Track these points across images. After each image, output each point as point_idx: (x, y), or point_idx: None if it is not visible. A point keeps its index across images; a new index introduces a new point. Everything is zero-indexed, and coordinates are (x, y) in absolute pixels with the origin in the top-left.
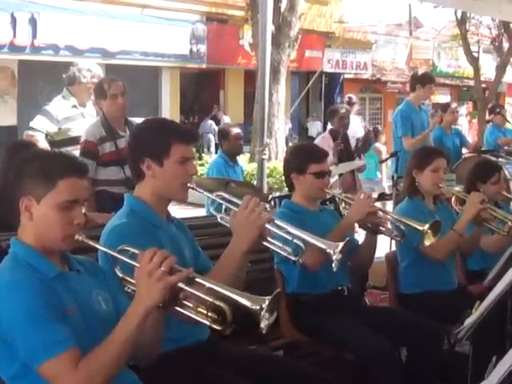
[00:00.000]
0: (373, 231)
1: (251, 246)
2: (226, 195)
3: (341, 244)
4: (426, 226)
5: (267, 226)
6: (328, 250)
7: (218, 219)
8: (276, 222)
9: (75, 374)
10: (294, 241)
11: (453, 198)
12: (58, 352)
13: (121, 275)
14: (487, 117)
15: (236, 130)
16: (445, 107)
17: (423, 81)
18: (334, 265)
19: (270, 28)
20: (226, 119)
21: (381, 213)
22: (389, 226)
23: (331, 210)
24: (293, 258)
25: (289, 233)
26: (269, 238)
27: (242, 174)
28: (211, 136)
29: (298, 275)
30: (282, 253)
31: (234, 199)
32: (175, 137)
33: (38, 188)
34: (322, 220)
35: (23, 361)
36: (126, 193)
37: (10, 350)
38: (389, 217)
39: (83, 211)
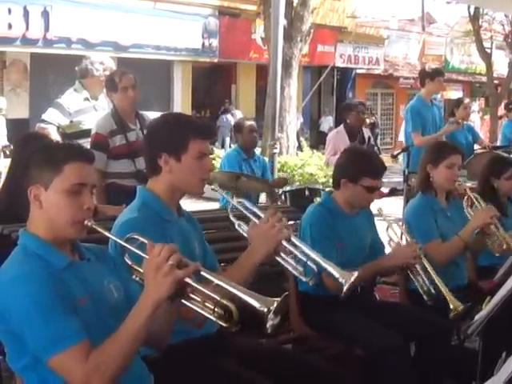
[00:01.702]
0: (403, 270)
1: (265, 259)
2: (247, 203)
3: (355, 274)
4: (460, 308)
5: (284, 242)
6: (340, 280)
7: (236, 226)
8: (293, 240)
9: (85, 367)
10: (308, 262)
11: (465, 198)
12: (67, 345)
13: (129, 262)
14: (500, 112)
15: (250, 124)
16: (457, 103)
17: (432, 75)
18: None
19: (282, 22)
20: (238, 114)
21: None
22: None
23: (369, 213)
24: (304, 279)
25: (304, 253)
26: (282, 255)
27: (263, 168)
28: (227, 131)
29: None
30: (294, 272)
31: (256, 209)
32: (193, 132)
33: (44, 175)
34: (355, 225)
35: (33, 353)
36: (137, 185)
37: (20, 342)
38: (427, 274)
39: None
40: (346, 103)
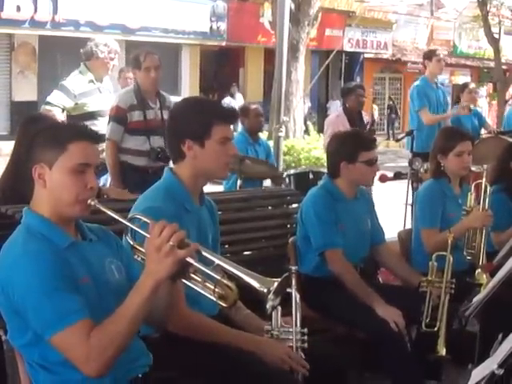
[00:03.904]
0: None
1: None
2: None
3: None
4: (443, 354)
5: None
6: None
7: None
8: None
9: (87, 345)
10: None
11: (474, 183)
12: (70, 323)
13: (131, 243)
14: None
15: (256, 108)
16: (463, 87)
17: (428, 55)
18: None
19: (289, 6)
20: (238, 96)
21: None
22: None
23: (368, 199)
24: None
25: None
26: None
27: (266, 152)
28: None
29: (317, 261)
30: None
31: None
32: (216, 117)
33: (48, 154)
34: (355, 209)
35: (35, 330)
36: (147, 164)
37: (22, 320)
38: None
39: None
40: (344, 87)
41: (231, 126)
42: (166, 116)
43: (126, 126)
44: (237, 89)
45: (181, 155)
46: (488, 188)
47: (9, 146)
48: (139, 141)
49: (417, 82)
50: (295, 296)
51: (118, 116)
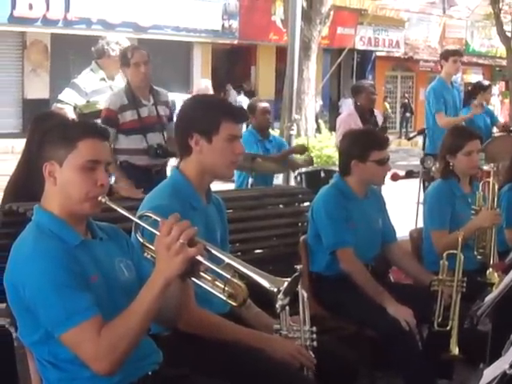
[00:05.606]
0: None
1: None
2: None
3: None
4: (456, 354)
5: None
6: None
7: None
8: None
9: (97, 343)
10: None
11: (482, 181)
12: (81, 320)
13: (141, 240)
14: None
15: (263, 105)
16: (479, 87)
17: (445, 55)
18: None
19: (301, 4)
20: (232, 93)
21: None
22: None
23: (379, 197)
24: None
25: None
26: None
27: (279, 146)
28: None
29: (328, 260)
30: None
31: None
32: (225, 114)
33: (59, 151)
34: (366, 208)
35: (46, 328)
36: (148, 163)
37: (33, 318)
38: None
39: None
40: (355, 85)
41: (240, 126)
42: (161, 112)
43: (119, 127)
44: (232, 87)
45: (187, 150)
46: (496, 187)
47: (21, 144)
48: (136, 140)
49: (433, 84)
50: (302, 295)
51: (108, 118)
